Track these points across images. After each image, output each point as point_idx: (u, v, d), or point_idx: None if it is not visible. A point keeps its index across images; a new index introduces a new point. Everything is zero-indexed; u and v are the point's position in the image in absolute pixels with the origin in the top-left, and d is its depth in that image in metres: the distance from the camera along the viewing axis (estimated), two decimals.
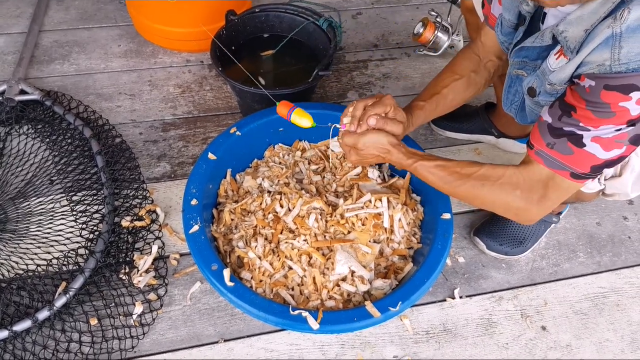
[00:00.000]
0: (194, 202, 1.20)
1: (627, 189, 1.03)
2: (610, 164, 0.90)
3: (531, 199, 0.96)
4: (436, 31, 1.77)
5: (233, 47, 1.61)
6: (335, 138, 1.20)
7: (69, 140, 1.53)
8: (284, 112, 1.14)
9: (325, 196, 1.30)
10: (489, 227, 1.36)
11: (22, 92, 1.60)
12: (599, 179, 1.05)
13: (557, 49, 0.93)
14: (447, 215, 1.20)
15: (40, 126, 1.56)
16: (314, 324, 1.02)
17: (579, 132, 0.87)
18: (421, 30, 1.77)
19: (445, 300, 1.28)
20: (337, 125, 1.12)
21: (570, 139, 0.88)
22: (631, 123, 0.83)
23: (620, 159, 0.89)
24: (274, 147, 1.45)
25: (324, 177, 1.38)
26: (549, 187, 0.94)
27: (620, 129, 0.84)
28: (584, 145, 0.87)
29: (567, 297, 1.31)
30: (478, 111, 1.61)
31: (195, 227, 1.15)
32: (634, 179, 1.02)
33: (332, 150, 1.43)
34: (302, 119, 1.16)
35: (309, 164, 1.41)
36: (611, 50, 0.79)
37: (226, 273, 1.08)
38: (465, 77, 1.23)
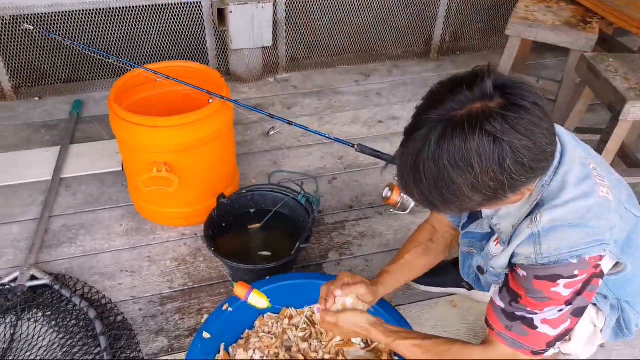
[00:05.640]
0: None
1: (578, 351, 1.17)
2: (561, 337, 1.04)
3: None
4: (402, 194, 1.99)
5: (223, 224, 1.81)
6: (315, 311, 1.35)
7: (74, 322, 1.65)
8: (242, 293, 1.32)
9: None
10: None
11: (33, 277, 1.75)
12: None
13: (495, 236, 1.11)
14: None
15: (50, 311, 1.69)
16: None
17: (529, 316, 1.02)
18: (389, 194, 2.00)
19: None
20: (312, 309, 1.30)
21: (523, 322, 1.04)
22: (568, 303, 1.00)
23: (568, 331, 1.04)
24: (263, 317, 1.58)
25: (310, 343, 1.49)
26: None
27: (561, 309, 1.00)
28: (536, 327, 1.02)
29: None
30: (449, 266, 1.77)
31: None
32: (584, 341, 1.16)
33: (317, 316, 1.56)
34: (259, 299, 1.34)
35: (296, 330, 1.53)
36: (534, 246, 0.98)
37: None
38: (423, 244, 1.42)
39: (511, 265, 1.06)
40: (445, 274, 1.77)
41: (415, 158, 0.86)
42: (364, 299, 1.31)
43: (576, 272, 0.96)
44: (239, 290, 1.35)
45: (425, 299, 1.76)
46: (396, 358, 1.45)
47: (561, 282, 0.97)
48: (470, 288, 1.73)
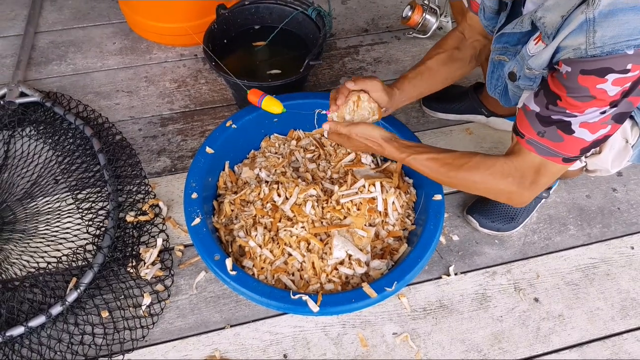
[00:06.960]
0: (194, 195, 1.24)
1: (607, 165, 1.08)
2: (597, 143, 0.94)
3: (523, 184, 1.01)
4: (424, 13, 1.79)
5: (225, 40, 1.64)
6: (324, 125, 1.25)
7: (71, 140, 1.57)
8: (255, 99, 1.26)
9: (321, 183, 1.34)
10: (481, 205, 1.40)
11: (22, 94, 1.64)
12: None
13: (536, 34, 0.96)
14: (438, 197, 1.24)
15: (42, 127, 1.60)
16: (314, 306, 1.07)
17: (567, 119, 0.91)
18: (409, 14, 1.80)
19: (440, 277, 1.33)
20: (322, 112, 1.20)
21: (559, 126, 0.93)
22: (613, 104, 0.87)
23: (605, 138, 0.94)
24: (269, 138, 1.49)
25: (319, 164, 1.42)
26: (540, 173, 0.99)
27: (604, 112, 0.89)
28: (573, 132, 0.92)
29: (559, 269, 1.35)
30: (468, 92, 1.64)
31: (197, 220, 1.20)
32: (613, 156, 1.06)
33: (327, 138, 1.47)
34: (272, 105, 1.27)
35: (304, 152, 1.45)
36: (586, 35, 0.83)
37: (228, 262, 1.13)
38: (447, 51, 1.28)
39: (551, 65, 0.93)
40: (463, 100, 1.65)
41: None
42: (379, 98, 1.20)
43: (629, 66, 0.83)
44: (252, 96, 1.28)
45: (440, 127, 1.66)
46: (407, 178, 1.38)
47: (610, 77, 0.84)
48: (489, 115, 1.62)
